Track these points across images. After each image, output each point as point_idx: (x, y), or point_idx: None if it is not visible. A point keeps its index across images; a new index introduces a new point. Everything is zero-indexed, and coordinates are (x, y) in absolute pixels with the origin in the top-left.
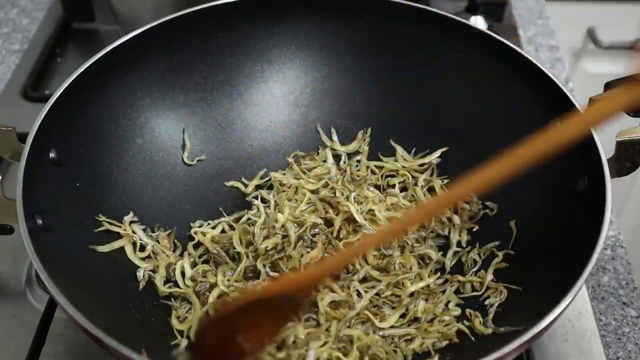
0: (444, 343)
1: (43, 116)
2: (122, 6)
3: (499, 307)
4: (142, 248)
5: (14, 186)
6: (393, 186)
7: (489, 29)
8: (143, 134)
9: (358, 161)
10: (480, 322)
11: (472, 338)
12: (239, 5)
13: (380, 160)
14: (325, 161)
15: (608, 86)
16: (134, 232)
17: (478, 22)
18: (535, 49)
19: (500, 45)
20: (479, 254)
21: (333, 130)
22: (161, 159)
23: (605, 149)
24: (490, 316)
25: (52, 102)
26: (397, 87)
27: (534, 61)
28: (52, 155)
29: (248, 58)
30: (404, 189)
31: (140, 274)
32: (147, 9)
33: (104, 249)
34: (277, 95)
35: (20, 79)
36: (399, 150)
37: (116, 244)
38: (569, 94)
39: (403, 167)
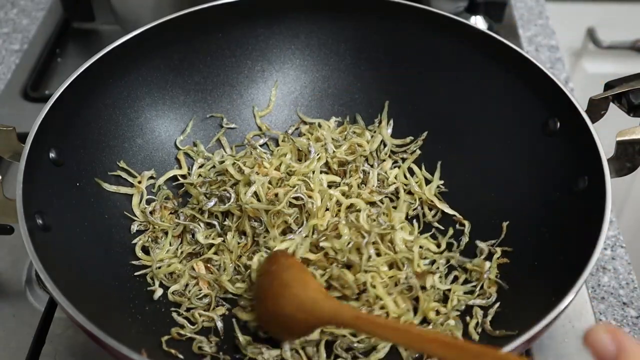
0: None
1: (43, 116)
2: (122, 6)
3: (499, 308)
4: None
5: (14, 186)
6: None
7: (489, 29)
8: (143, 134)
9: (396, 161)
10: (474, 326)
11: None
12: (239, 5)
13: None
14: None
15: (608, 86)
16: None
17: (478, 22)
18: (535, 49)
19: (500, 45)
20: (493, 244)
21: (391, 122)
22: (161, 158)
23: (605, 149)
24: (489, 318)
25: (52, 102)
26: (397, 87)
27: (534, 61)
28: (52, 155)
29: (248, 58)
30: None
31: (134, 227)
32: (147, 9)
33: (111, 188)
34: (277, 95)
35: (20, 79)
36: (418, 173)
37: (124, 190)
38: (569, 94)
39: (420, 197)
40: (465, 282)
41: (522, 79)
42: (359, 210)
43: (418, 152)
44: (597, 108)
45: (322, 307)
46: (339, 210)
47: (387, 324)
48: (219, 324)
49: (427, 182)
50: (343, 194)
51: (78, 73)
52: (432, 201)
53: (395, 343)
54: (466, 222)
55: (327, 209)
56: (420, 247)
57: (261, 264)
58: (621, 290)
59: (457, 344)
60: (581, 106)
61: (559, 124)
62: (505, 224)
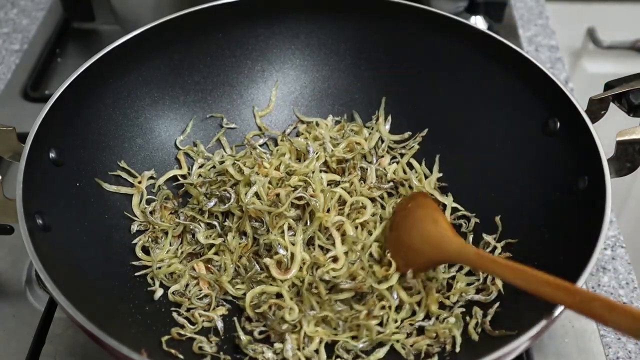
0: (437, 349)
1: (43, 116)
2: (122, 6)
3: (499, 308)
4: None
5: (14, 186)
6: None
7: (489, 29)
8: (143, 134)
9: (395, 157)
10: (474, 326)
11: (458, 348)
12: (239, 5)
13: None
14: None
15: (608, 86)
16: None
17: (478, 22)
18: (535, 49)
19: (500, 45)
20: (494, 238)
21: (389, 118)
22: (161, 158)
23: (605, 149)
24: (489, 317)
25: (52, 102)
26: (397, 87)
27: (534, 61)
28: (52, 155)
29: (248, 58)
30: None
31: (134, 227)
32: (147, 9)
33: (111, 188)
34: (277, 95)
35: (20, 79)
36: (418, 168)
37: (124, 190)
38: (569, 94)
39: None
40: (469, 274)
41: (522, 79)
42: (363, 207)
43: (416, 147)
44: (597, 108)
45: (449, 243)
46: (341, 209)
47: (506, 264)
48: (219, 324)
49: (427, 178)
50: (345, 191)
51: (78, 73)
52: (432, 194)
53: (512, 283)
54: (472, 218)
55: (329, 209)
56: None
57: (400, 202)
58: (621, 290)
59: (571, 287)
60: (581, 106)
61: (559, 124)
62: (497, 218)
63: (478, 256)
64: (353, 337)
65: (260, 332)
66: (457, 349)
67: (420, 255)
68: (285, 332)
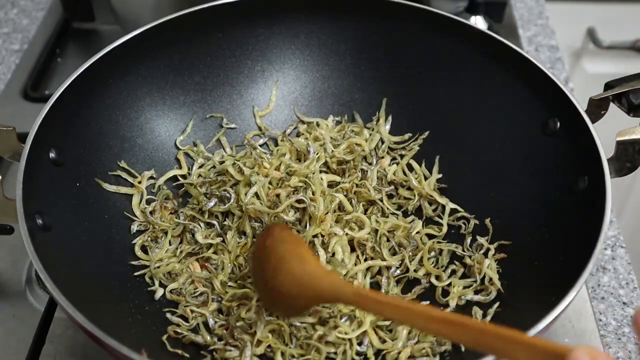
0: (443, 348)
1: (43, 116)
2: (122, 6)
3: (499, 307)
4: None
5: (14, 186)
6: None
7: (489, 29)
8: (143, 134)
9: (395, 158)
10: None
11: (464, 347)
12: (239, 5)
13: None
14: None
15: (608, 86)
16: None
17: (478, 22)
18: (535, 49)
19: (500, 45)
20: (486, 240)
21: (390, 119)
22: (161, 158)
23: (605, 149)
24: (489, 317)
25: (52, 102)
26: (397, 87)
27: (534, 61)
28: (52, 155)
29: (248, 58)
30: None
31: (134, 227)
32: (147, 9)
33: (111, 188)
34: (277, 95)
35: (20, 79)
36: (417, 169)
37: (124, 190)
38: (569, 94)
39: (419, 193)
40: (464, 276)
41: (522, 79)
42: (361, 224)
43: (416, 148)
44: (597, 108)
45: (322, 283)
46: (340, 215)
47: (389, 302)
48: (211, 321)
49: (427, 179)
50: (345, 193)
51: (78, 73)
52: (431, 196)
53: (397, 321)
54: (471, 219)
55: (327, 212)
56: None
57: (256, 238)
58: (621, 290)
59: (462, 321)
60: (581, 106)
61: (559, 124)
62: (487, 220)
63: (356, 295)
64: (302, 355)
65: (221, 326)
66: (463, 349)
67: (295, 300)
68: (238, 328)
